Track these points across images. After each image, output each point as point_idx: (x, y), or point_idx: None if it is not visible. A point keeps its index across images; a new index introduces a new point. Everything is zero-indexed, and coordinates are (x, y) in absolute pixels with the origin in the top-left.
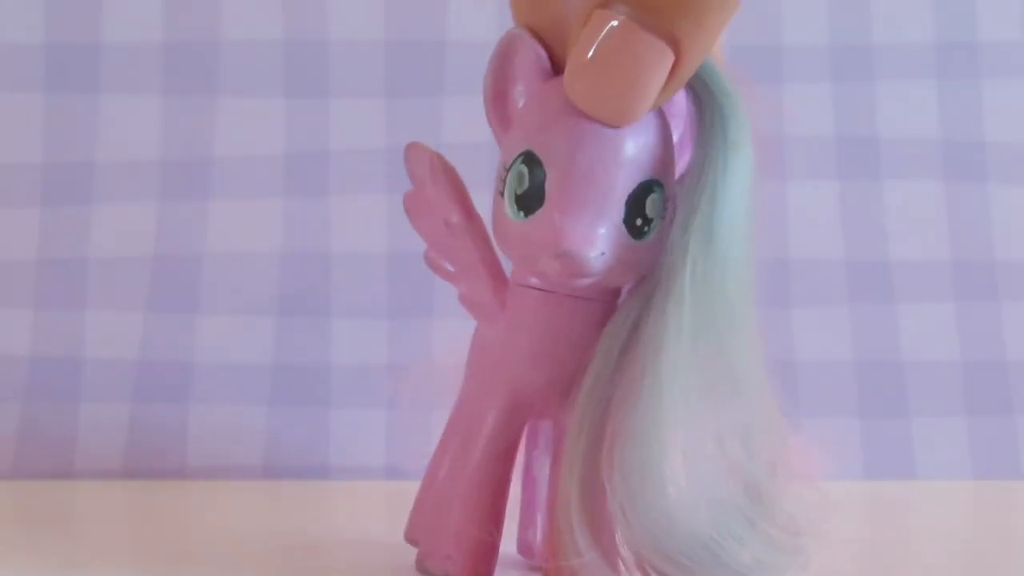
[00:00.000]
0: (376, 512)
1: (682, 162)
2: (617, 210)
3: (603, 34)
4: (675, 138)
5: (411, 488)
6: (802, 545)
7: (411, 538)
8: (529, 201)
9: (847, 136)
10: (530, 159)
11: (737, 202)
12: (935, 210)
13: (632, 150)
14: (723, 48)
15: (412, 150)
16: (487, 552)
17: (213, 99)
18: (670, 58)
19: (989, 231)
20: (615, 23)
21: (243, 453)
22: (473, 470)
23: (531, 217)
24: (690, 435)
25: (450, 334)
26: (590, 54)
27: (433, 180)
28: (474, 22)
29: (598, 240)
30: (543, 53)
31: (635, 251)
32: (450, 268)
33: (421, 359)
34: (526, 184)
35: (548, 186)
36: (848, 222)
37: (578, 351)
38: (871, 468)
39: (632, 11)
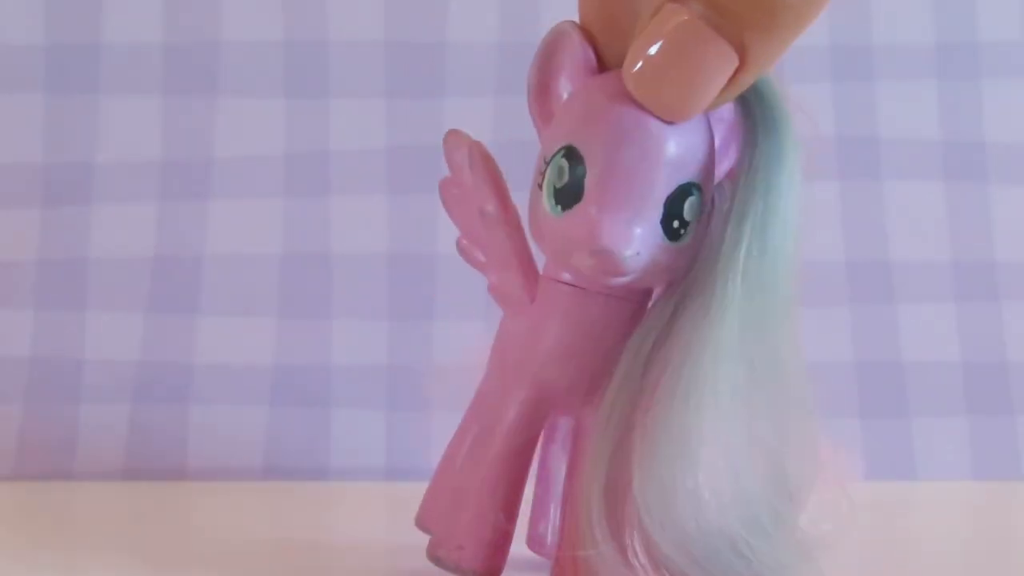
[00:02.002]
0: (376, 513)
1: (722, 167)
2: (655, 210)
3: (671, 27)
4: (716, 142)
5: (412, 489)
6: (818, 549)
7: (422, 525)
8: (567, 196)
9: (847, 136)
10: (571, 153)
11: (790, 202)
12: (935, 210)
13: (674, 151)
14: None
15: (451, 136)
16: (500, 545)
17: (213, 99)
18: (734, 64)
19: (989, 231)
20: (685, 18)
21: (243, 454)
22: (491, 463)
23: (568, 212)
24: (729, 428)
25: (450, 334)
26: (655, 45)
27: (472, 168)
28: (474, 22)
29: (634, 239)
30: (590, 50)
31: (669, 253)
32: (481, 258)
33: (457, 358)
34: (566, 178)
35: (587, 182)
36: (848, 222)
37: (605, 350)
38: (871, 468)
39: (704, 10)
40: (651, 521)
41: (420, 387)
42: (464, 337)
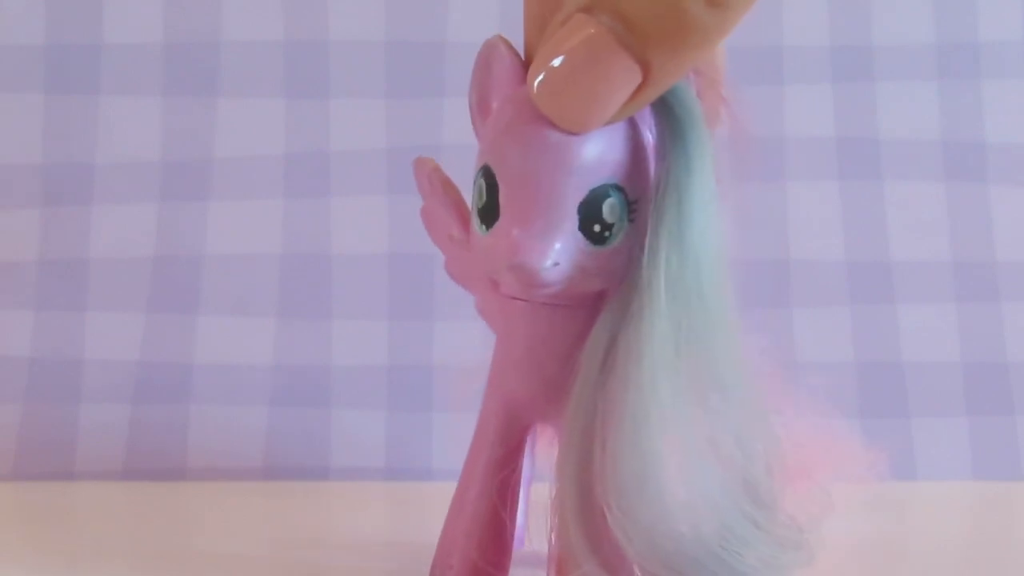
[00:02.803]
0: (376, 513)
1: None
2: (569, 218)
3: (578, 38)
4: (651, 140)
5: (412, 489)
6: (805, 542)
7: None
8: (488, 215)
9: (847, 137)
10: (487, 172)
11: (704, 206)
12: (935, 211)
13: (581, 157)
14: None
15: (416, 165)
16: (493, 559)
17: (213, 99)
18: (637, 80)
19: (989, 232)
20: (592, 31)
21: (243, 454)
22: (477, 479)
23: (491, 230)
24: (683, 440)
25: (450, 334)
26: (561, 55)
27: (432, 194)
28: (474, 22)
29: (550, 251)
30: (519, 63)
31: (599, 257)
32: (462, 279)
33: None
34: (484, 198)
35: (500, 199)
36: (848, 223)
37: (564, 359)
38: (879, 469)
39: (612, 24)
40: (623, 535)
41: (420, 387)
42: (464, 337)
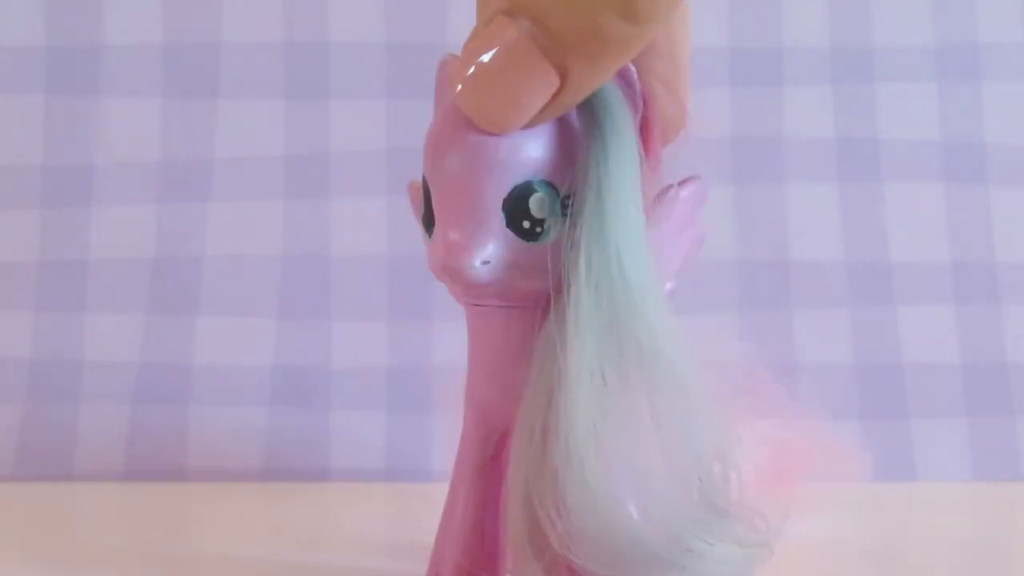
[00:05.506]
0: (376, 514)
1: None
2: (496, 216)
3: (498, 44)
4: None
5: (412, 489)
6: (765, 538)
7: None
8: (428, 222)
9: (847, 138)
10: (424, 182)
11: (623, 199)
12: (935, 212)
13: (499, 154)
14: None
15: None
16: (486, 566)
17: (213, 101)
18: (555, 86)
19: (989, 233)
20: (513, 36)
21: (243, 455)
22: (462, 488)
23: (431, 237)
24: (627, 441)
25: (450, 335)
26: (480, 57)
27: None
28: (473, 23)
29: (477, 250)
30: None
31: (533, 253)
32: None
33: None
34: (423, 207)
35: (433, 204)
36: (848, 224)
37: (519, 359)
38: (871, 470)
39: (533, 29)
40: (569, 537)
41: (420, 388)
42: (464, 338)
